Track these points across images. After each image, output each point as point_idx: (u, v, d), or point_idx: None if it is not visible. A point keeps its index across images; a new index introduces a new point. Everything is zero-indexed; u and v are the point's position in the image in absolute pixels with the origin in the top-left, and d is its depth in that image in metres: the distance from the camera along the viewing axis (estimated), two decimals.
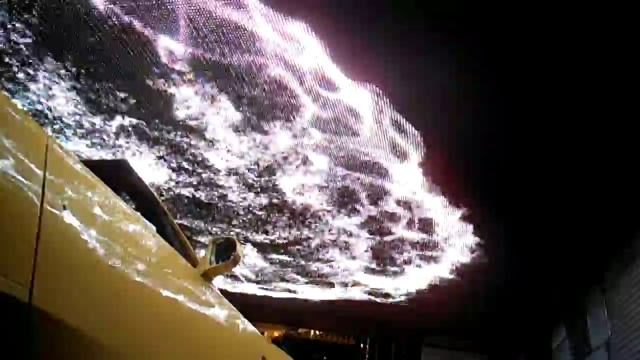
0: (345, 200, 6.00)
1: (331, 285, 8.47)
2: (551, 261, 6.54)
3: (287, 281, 8.60)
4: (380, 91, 4.35)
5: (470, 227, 6.15)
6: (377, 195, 5.82)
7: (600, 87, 3.91)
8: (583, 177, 4.89)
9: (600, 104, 4.06)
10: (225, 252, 2.33)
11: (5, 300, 0.96)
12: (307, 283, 8.53)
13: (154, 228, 2.03)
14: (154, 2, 3.81)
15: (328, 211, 6.30)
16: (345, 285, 8.39)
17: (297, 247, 7.31)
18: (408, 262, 7.17)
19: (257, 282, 8.78)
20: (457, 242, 6.52)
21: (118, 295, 1.41)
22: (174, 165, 5.76)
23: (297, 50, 4.09)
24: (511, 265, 6.90)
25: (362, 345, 11.17)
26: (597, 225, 5.55)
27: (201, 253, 2.53)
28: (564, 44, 3.64)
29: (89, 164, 1.52)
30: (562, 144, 4.56)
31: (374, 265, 7.49)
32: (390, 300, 8.69)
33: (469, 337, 10.38)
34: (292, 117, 4.84)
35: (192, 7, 3.83)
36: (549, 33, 3.59)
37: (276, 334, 11.04)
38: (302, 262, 7.77)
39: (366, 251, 7.13)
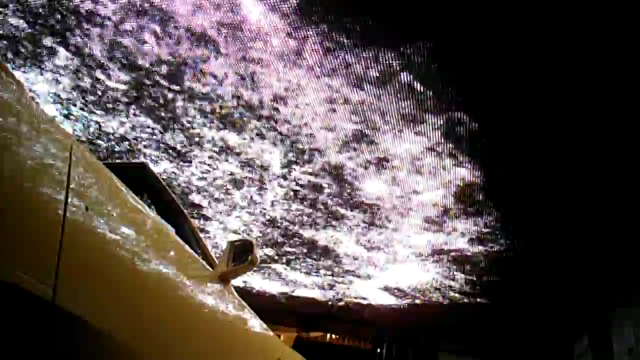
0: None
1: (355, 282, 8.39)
2: (575, 271, 6.42)
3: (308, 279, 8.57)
4: None
5: (493, 238, 6.09)
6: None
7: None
8: (609, 190, 4.82)
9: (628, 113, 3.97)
10: (243, 255, 2.34)
11: (30, 299, 0.99)
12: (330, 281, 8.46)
13: (173, 230, 2.06)
14: None
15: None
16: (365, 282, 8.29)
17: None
18: (432, 264, 7.10)
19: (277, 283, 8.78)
20: (481, 250, 6.45)
21: (137, 295, 1.44)
22: None
23: None
24: (533, 275, 6.78)
25: (378, 350, 11.07)
26: (623, 234, 5.43)
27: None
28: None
29: (111, 166, 1.56)
30: (583, 155, 4.50)
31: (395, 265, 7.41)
32: (407, 304, 8.61)
33: (487, 344, 10.22)
34: None
35: None
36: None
37: (292, 336, 11.03)
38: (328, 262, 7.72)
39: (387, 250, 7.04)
